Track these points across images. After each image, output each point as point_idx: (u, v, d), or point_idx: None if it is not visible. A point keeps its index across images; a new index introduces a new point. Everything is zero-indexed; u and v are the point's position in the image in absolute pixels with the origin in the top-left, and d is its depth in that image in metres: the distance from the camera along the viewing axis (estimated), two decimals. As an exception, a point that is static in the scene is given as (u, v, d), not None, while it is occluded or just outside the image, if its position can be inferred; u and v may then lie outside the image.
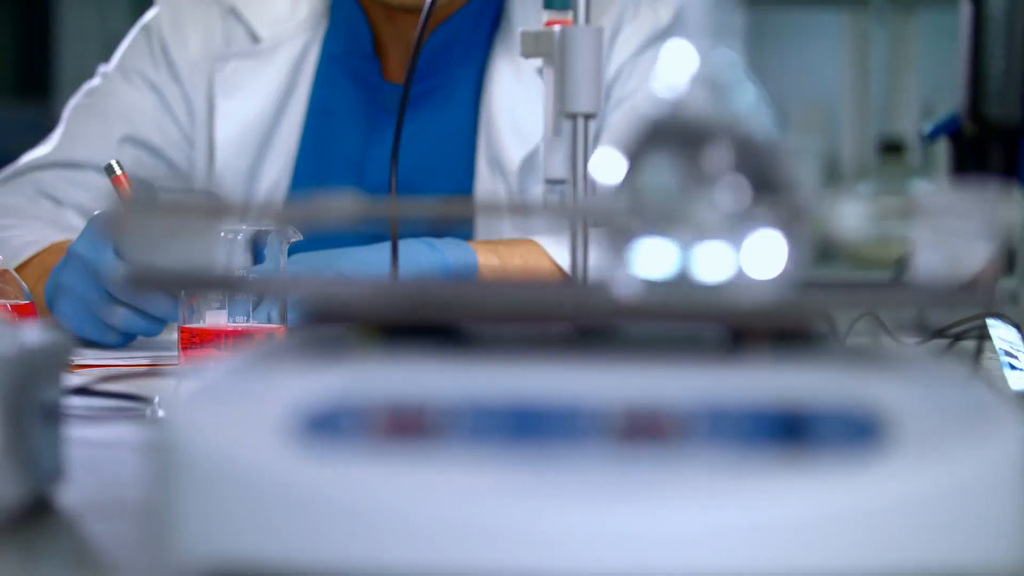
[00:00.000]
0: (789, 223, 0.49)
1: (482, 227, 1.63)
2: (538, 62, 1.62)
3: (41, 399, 0.66)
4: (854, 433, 0.53)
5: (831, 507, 0.51)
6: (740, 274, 0.52)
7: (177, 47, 1.68)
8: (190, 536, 0.53)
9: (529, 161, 1.61)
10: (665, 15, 1.67)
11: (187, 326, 1.21)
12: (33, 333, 0.67)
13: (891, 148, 3.63)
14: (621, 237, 0.50)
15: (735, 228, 0.50)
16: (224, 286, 0.55)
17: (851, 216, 0.49)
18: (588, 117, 1.02)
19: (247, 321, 1.21)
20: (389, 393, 0.53)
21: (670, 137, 0.52)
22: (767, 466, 0.52)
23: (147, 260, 0.53)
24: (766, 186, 0.51)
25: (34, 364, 0.65)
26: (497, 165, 1.61)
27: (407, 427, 0.53)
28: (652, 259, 0.52)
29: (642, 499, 0.51)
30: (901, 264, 0.89)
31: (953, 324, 1.15)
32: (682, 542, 0.51)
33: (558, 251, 1.44)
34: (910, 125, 3.70)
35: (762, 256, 0.52)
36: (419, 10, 1.63)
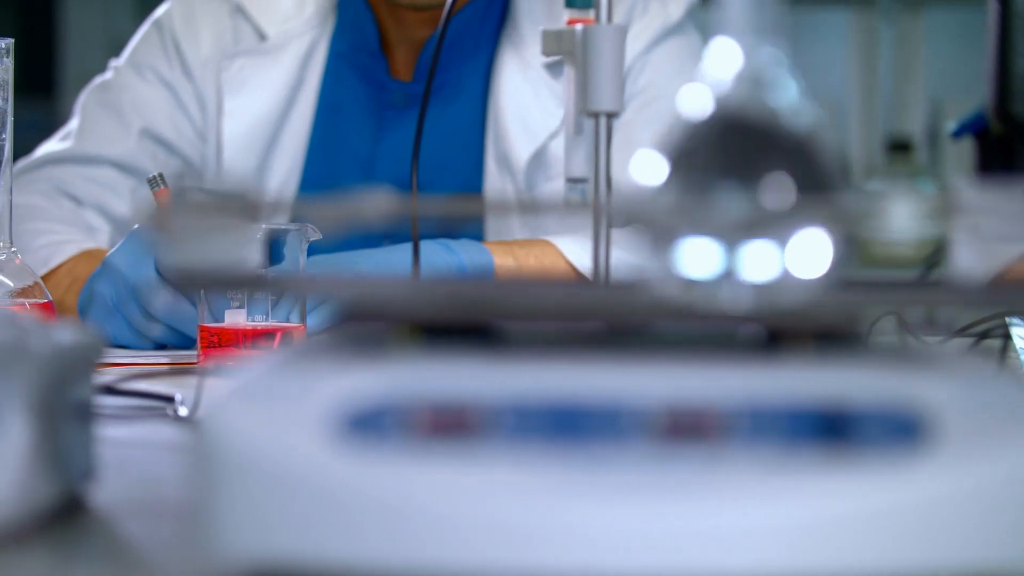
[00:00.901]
0: (835, 223, 0.49)
1: (492, 226, 1.63)
2: (545, 58, 1.64)
3: (73, 398, 0.66)
4: (896, 432, 0.53)
5: (874, 506, 0.51)
6: (783, 274, 0.52)
7: (189, 44, 1.68)
8: (232, 535, 0.53)
9: (537, 158, 1.61)
10: (675, 11, 1.67)
11: (207, 325, 1.20)
12: (65, 332, 0.67)
13: (898, 147, 3.63)
14: (663, 236, 0.50)
15: (779, 227, 0.50)
16: (269, 286, 0.55)
17: (899, 216, 0.49)
18: (610, 116, 1.02)
19: (266, 320, 1.21)
20: (431, 392, 0.53)
21: (714, 135, 0.52)
22: (809, 465, 0.52)
23: (192, 260, 0.53)
24: (811, 185, 0.51)
25: (66, 363, 0.65)
26: (505, 162, 1.61)
27: (449, 426, 0.53)
28: (695, 258, 0.51)
29: (685, 498, 0.51)
30: (929, 262, 0.89)
31: (972, 323, 1.14)
32: (724, 541, 0.51)
33: (573, 251, 1.44)
34: (918, 124, 3.70)
35: (806, 255, 0.52)
36: (426, 8, 1.63)
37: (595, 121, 1.02)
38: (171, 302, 1.26)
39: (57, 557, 0.61)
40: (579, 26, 1.03)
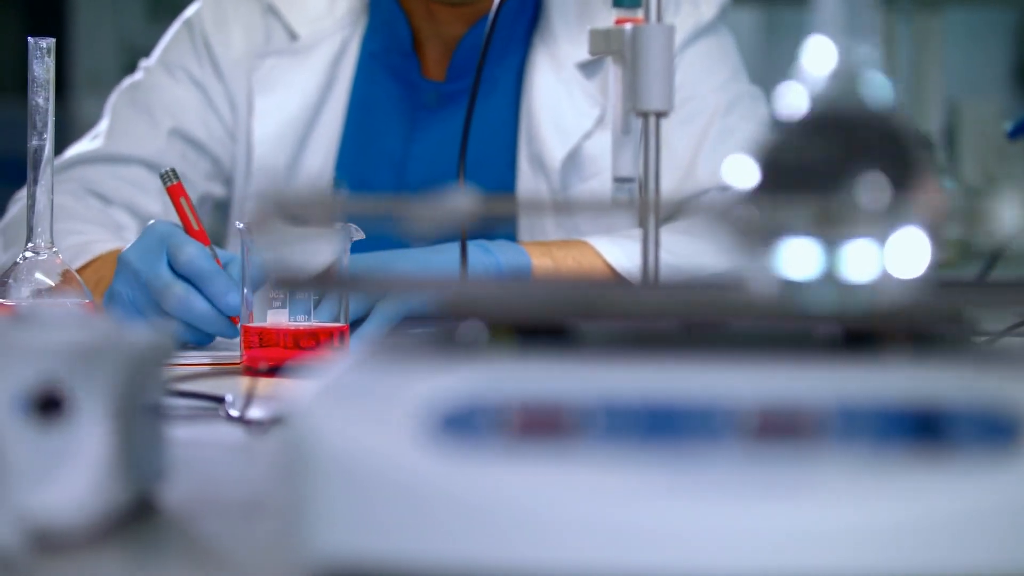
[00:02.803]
0: (935, 221, 0.49)
1: (526, 226, 1.63)
2: (578, 58, 1.63)
3: (147, 398, 0.66)
4: (990, 432, 0.53)
5: (967, 506, 0.51)
6: (879, 273, 0.51)
7: (220, 44, 1.68)
8: (323, 534, 0.53)
9: (571, 158, 1.60)
10: (707, 11, 1.66)
11: (250, 325, 1.20)
12: (139, 332, 0.67)
13: (916, 147, 3.62)
14: (759, 237, 0.50)
15: (878, 226, 0.50)
16: (364, 287, 0.55)
17: (1006, 214, 0.49)
18: (659, 115, 1.02)
19: (308, 320, 1.21)
20: (523, 392, 0.53)
21: (810, 133, 0.52)
22: (902, 466, 0.52)
23: (290, 261, 0.53)
24: (908, 182, 0.51)
25: (141, 363, 0.65)
26: (539, 163, 1.61)
27: (541, 426, 0.53)
28: (792, 258, 0.51)
29: (777, 499, 0.51)
30: (993, 259, 0.89)
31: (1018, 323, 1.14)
32: (816, 541, 0.51)
33: (611, 252, 1.44)
34: (935, 124, 3.70)
35: (905, 254, 0.51)
36: (460, 3, 1.63)
37: (644, 121, 1.02)
38: (183, 298, 1.25)
39: (136, 558, 0.61)
40: (628, 26, 1.03)
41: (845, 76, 0.53)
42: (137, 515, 0.64)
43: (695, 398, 0.53)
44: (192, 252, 1.25)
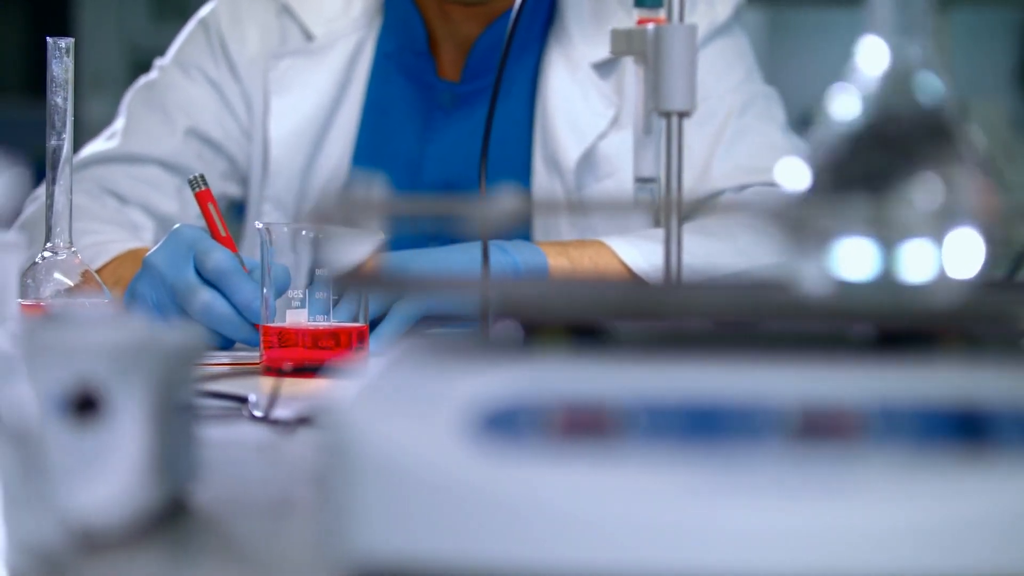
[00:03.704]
0: (990, 222, 0.49)
1: (540, 226, 1.63)
2: (593, 58, 1.64)
3: (180, 398, 0.66)
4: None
5: (1011, 507, 0.51)
6: (933, 273, 0.51)
7: (235, 43, 1.68)
8: (364, 534, 0.53)
9: (586, 159, 1.60)
10: (723, 11, 1.66)
11: (269, 325, 1.20)
12: (171, 332, 0.67)
13: (923, 147, 3.62)
14: (813, 237, 0.50)
15: (932, 227, 0.50)
16: (420, 286, 0.55)
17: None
18: (682, 115, 1.02)
19: (327, 320, 1.21)
20: (565, 392, 0.53)
21: (863, 133, 0.52)
22: (945, 466, 0.52)
23: (353, 261, 0.53)
24: (961, 183, 0.50)
25: (175, 363, 0.65)
26: (553, 163, 1.61)
27: (584, 426, 0.53)
28: (849, 259, 0.51)
29: (820, 498, 0.51)
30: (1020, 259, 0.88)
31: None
32: (859, 541, 0.51)
33: (627, 252, 1.44)
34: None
35: (959, 255, 0.51)
36: (474, 3, 1.63)
37: (667, 121, 1.02)
38: (209, 303, 1.25)
39: (173, 558, 0.61)
40: (651, 26, 1.03)
41: (898, 76, 0.53)
42: (171, 515, 0.64)
43: (737, 398, 0.53)
44: (220, 258, 1.25)
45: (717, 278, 0.95)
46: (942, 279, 0.51)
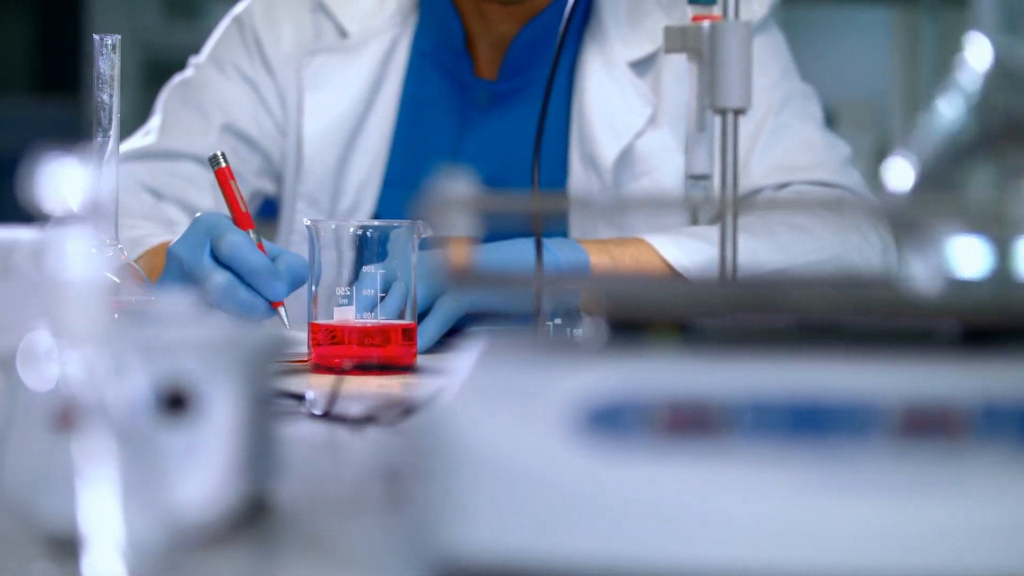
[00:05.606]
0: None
1: (577, 224, 1.63)
2: (630, 56, 1.63)
3: (264, 394, 0.66)
4: None
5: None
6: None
7: (270, 40, 1.68)
8: (467, 530, 0.52)
9: (624, 157, 1.60)
10: (759, 9, 1.66)
11: (318, 322, 1.20)
12: (253, 330, 0.67)
13: (942, 145, 3.62)
14: (922, 235, 0.50)
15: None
16: (530, 284, 0.54)
17: None
18: (737, 112, 1.02)
19: (374, 317, 1.21)
20: (670, 389, 0.53)
21: (969, 131, 0.52)
22: (1050, 463, 0.52)
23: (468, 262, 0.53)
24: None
25: (260, 359, 0.65)
26: (591, 162, 1.61)
27: (688, 424, 0.53)
28: (963, 257, 0.51)
29: (924, 495, 0.51)
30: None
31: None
32: (963, 538, 0.51)
33: (669, 249, 1.44)
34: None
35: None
36: (511, 2, 1.63)
37: (722, 118, 1.02)
38: (224, 286, 1.24)
39: (261, 555, 0.60)
40: (706, 23, 1.03)
41: (1002, 74, 0.52)
42: (256, 512, 0.64)
43: (842, 395, 0.53)
44: (233, 240, 1.23)
45: (802, 275, 0.95)
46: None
